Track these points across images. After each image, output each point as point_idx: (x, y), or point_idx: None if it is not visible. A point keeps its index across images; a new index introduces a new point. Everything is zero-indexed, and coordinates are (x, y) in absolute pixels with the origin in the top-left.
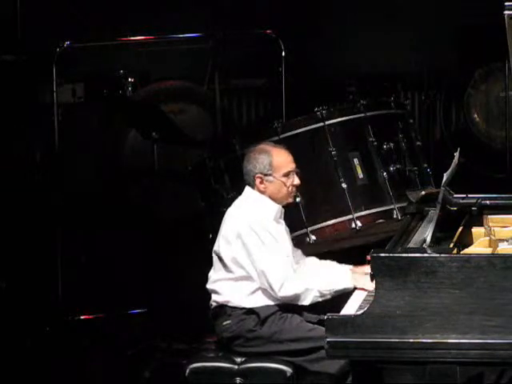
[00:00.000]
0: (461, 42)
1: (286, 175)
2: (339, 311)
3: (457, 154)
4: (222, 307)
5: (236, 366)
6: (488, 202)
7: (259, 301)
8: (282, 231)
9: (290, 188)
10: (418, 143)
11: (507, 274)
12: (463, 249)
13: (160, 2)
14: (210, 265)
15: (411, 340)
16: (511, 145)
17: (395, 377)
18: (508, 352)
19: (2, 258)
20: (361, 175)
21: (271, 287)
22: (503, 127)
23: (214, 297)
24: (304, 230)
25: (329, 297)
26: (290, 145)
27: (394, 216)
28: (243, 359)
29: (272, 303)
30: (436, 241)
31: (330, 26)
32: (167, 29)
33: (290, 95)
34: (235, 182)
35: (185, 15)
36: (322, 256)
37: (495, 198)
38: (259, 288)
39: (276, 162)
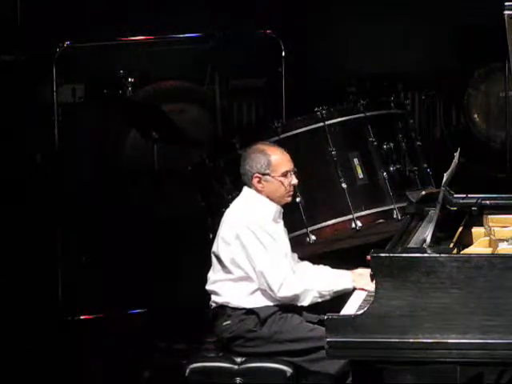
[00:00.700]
0: (461, 42)
1: (284, 175)
2: (339, 311)
3: (457, 154)
4: (222, 308)
5: (236, 366)
6: (488, 202)
7: (259, 301)
8: (280, 231)
9: (288, 187)
10: (418, 143)
11: (507, 274)
12: (463, 249)
13: (160, 2)
14: (210, 265)
15: (411, 340)
16: (511, 145)
17: (395, 377)
18: (508, 352)
19: (2, 258)
20: (361, 175)
21: (270, 288)
22: (503, 127)
23: (213, 297)
24: (304, 230)
25: (328, 297)
26: (289, 145)
27: (394, 216)
28: (243, 359)
29: (272, 304)
30: (436, 241)
31: (330, 25)
32: (167, 29)
33: (290, 95)
34: (236, 182)
35: (185, 15)
36: (322, 256)
37: (495, 198)
38: (259, 288)
39: (274, 162)
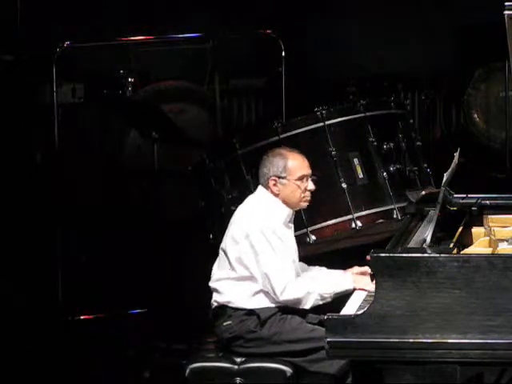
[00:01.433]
0: (461, 41)
1: (301, 179)
2: (339, 311)
3: (457, 154)
4: (223, 308)
5: (236, 366)
6: (488, 202)
7: (260, 302)
8: (290, 236)
9: (304, 192)
10: (418, 143)
11: (507, 274)
12: (463, 249)
13: (160, 2)
14: (210, 264)
15: (411, 340)
16: (511, 145)
17: (395, 377)
18: (508, 352)
19: (2, 258)
20: (361, 175)
21: (273, 291)
22: (503, 127)
23: (215, 296)
24: (304, 230)
25: (329, 299)
26: (289, 145)
27: (394, 216)
28: (243, 359)
29: (273, 305)
30: (436, 241)
31: (330, 25)
32: (167, 29)
33: (290, 95)
34: (235, 182)
35: (185, 15)
36: (322, 256)
37: (495, 198)
38: (261, 290)
39: (291, 165)
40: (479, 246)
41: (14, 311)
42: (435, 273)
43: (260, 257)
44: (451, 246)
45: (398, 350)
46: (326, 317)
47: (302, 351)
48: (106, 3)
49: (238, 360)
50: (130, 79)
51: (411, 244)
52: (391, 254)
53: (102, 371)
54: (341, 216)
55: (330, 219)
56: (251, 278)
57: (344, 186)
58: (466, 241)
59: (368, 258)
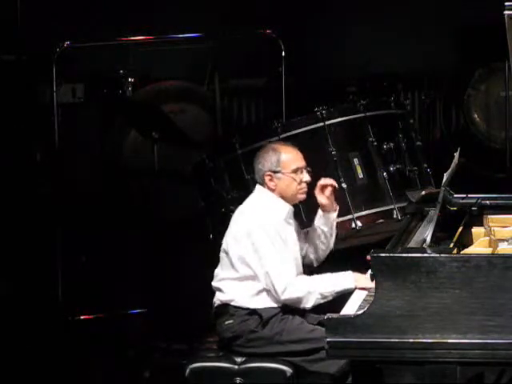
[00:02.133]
0: (461, 41)
1: (295, 171)
2: (339, 311)
3: (457, 154)
4: (226, 306)
5: (236, 366)
6: (488, 202)
7: (263, 302)
8: (291, 232)
9: (300, 184)
10: (418, 143)
11: (507, 274)
12: (463, 249)
13: (160, 2)
14: (210, 265)
15: (411, 340)
16: (511, 145)
17: (395, 377)
18: (508, 352)
19: (2, 258)
20: (361, 175)
21: (274, 290)
22: (503, 127)
23: (217, 295)
24: (304, 230)
25: (330, 298)
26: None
27: (394, 216)
28: (243, 359)
29: (275, 305)
30: (436, 241)
31: (329, 25)
32: (167, 29)
33: (290, 95)
34: (235, 182)
35: (185, 15)
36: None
37: (495, 198)
38: (264, 289)
39: (284, 159)
40: (479, 246)
41: (14, 311)
42: (435, 273)
43: (261, 255)
44: (451, 245)
45: (398, 350)
46: (326, 317)
47: (302, 351)
48: (105, 3)
49: (238, 360)
50: (129, 79)
51: (411, 244)
52: (391, 254)
53: (102, 371)
54: (341, 216)
55: None
56: (254, 277)
57: (344, 186)
58: (466, 241)
59: (368, 257)
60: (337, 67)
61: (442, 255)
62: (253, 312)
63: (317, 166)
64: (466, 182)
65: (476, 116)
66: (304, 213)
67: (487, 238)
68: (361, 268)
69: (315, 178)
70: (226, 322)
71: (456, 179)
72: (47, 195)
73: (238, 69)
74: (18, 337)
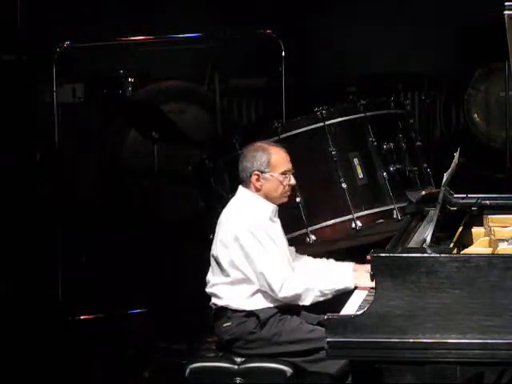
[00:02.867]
0: (461, 41)
1: (284, 174)
2: (339, 311)
3: (457, 154)
4: (223, 309)
5: (236, 366)
6: (488, 202)
7: (259, 303)
8: (278, 230)
9: (286, 187)
10: (418, 143)
11: (507, 274)
12: (463, 249)
13: (160, 2)
14: (210, 265)
15: (411, 340)
16: (511, 145)
17: (395, 377)
18: (508, 352)
19: (2, 258)
20: (361, 175)
21: (271, 289)
22: (503, 127)
23: (213, 300)
24: (304, 230)
25: (330, 296)
26: (289, 145)
27: (394, 216)
28: (243, 359)
29: (272, 305)
30: (436, 241)
31: (329, 26)
32: (167, 29)
33: (290, 95)
34: (235, 182)
35: (185, 15)
36: (322, 256)
37: (495, 198)
38: (258, 290)
39: (274, 160)
40: (479, 245)
41: (14, 311)
42: (435, 273)
43: (252, 257)
44: (451, 245)
45: (398, 350)
46: (325, 317)
47: (302, 352)
48: (106, 3)
49: (238, 360)
50: (129, 79)
51: (411, 244)
52: (391, 254)
53: (102, 371)
54: (341, 216)
55: (330, 219)
56: (246, 280)
57: (344, 186)
58: (466, 241)
59: (368, 257)
60: (337, 67)
61: (442, 255)
62: (250, 313)
63: (317, 166)
64: (466, 182)
65: (476, 116)
66: (304, 213)
67: (487, 238)
68: None
69: (315, 177)
70: (225, 325)
71: (456, 179)
72: (47, 195)
73: (238, 69)
74: (18, 337)
